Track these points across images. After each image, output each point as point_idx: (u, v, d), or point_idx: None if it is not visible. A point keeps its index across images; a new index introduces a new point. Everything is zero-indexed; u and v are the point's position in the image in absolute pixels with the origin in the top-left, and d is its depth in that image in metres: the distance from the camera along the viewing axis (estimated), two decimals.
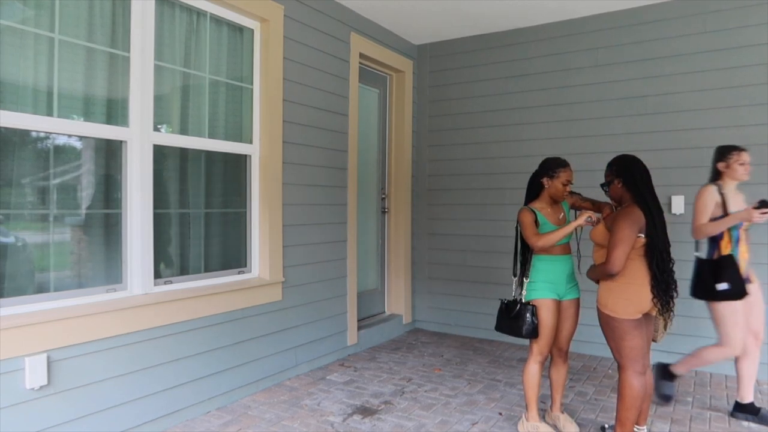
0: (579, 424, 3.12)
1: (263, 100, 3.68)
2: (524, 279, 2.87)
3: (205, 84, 3.39)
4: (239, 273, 3.60)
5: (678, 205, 4.17)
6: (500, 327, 2.92)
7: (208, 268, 3.43)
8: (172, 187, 3.23)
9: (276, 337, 3.75)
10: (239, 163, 3.65)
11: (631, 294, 2.56)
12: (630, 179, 2.64)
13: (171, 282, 3.16)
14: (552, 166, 2.87)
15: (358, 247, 4.73)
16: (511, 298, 2.92)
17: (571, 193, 2.98)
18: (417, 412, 3.31)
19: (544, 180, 2.88)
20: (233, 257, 3.62)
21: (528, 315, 2.78)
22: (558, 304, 2.85)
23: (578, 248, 2.98)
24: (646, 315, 2.66)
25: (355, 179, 4.52)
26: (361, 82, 4.82)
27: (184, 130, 3.27)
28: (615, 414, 2.73)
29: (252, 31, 3.67)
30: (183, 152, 3.27)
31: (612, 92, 4.45)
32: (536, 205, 2.91)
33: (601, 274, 2.63)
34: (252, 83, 3.68)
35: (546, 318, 2.80)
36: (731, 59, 4.01)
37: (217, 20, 3.45)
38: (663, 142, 4.25)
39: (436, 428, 3.07)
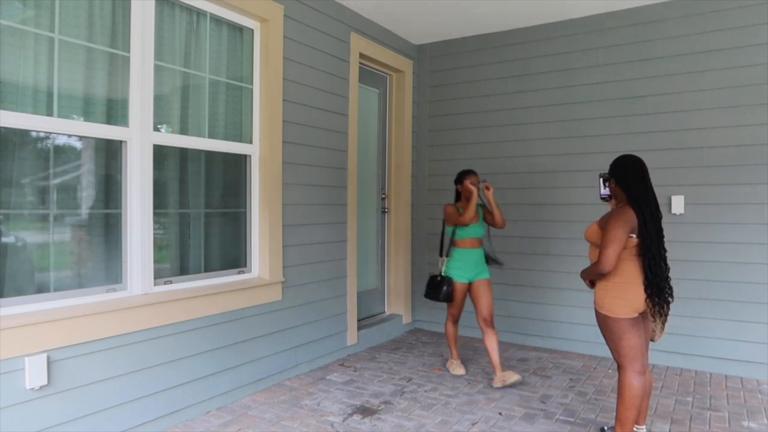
0: (579, 425, 3.13)
1: (263, 100, 3.68)
2: (445, 258, 3.88)
3: (205, 84, 3.39)
4: (239, 273, 3.60)
5: (678, 205, 4.16)
6: (427, 294, 3.88)
7: (208, 268, 3.43)
8: (172, 187, 3.23)
9: (276, 337, 3.75)
10: (239, 163, 3.65)
11: (626, 293, 2.56)
12: (623, 180, 2.65)
13: (171, 282, 3.16)
14: (459, 175, 3.92)
15: (358, 247, 4.73)
16: (436, 274, 3.91)
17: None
18: (417, 412, 3.31)
19: (458, 186, 3.93)
20: (233, 257, 3.62)
21: (445, 286, 3.79)
22: (467, 285, 3.85)
23: (490, 241, 4.03)
24: (644, 314, 2.66)
25: (355, 179, 4.52)
26: (361, 82, 4.82)
27: (184, 130, 3.27)
28: (615, 414, 2.73)
29: (252, 31, 3.67)
30: (183, 152, 3.27)
31: (612, 92, 4.45)
32: (457, 204, 3.95)
33: (593, 273, 2.64)
34: (252, 83, 3.68)
35: (456, 296, 3.83)
36: (731, 59, 4.01)
37: (217, 20, 3.45)
38: (663, 142, 4.25)
39: (436, 428, 3.07)
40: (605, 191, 2.85)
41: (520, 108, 4.87)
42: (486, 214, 3.94)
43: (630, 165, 2.66)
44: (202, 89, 3.38)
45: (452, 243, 3.90)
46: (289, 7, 3.81)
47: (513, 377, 3.69)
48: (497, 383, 3.69)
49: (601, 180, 2.85)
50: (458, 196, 3.97)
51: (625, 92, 4.40)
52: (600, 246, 2.57)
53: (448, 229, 3.93)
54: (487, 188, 3.82)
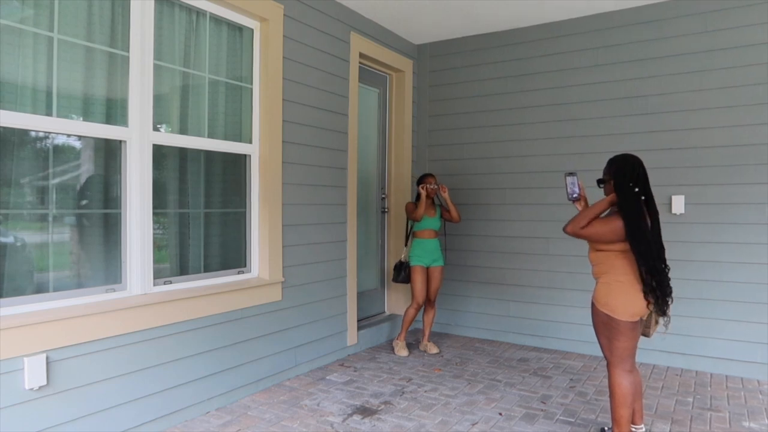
0: (579, 425, 3.12)
1: (263, 99, 3.68)
2: (407, 247, 4.60)
3: (205, 84, 3.39)
4: (239, 273, 3.60)
5: (678, 205, 4.16)
6: (395, 279, 4.59)
7: (208, 268, 3.43)
8: (172, 186, 3.22)
9: (276, 337, 3.74)
10: (239, 162, 3.64)
11: (628, 295, 2.55)
12: (619, 182, 2.59)
13: (170, 282, 3.16)
14: (420, 178, 4.53)
15: (358, 247, 4.72)
16: (401, 260, 4.62)
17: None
18: (417, 412, 3.30)
19: (419, 187, 4.49)
20: (233, 257, 3.61)
21: (403, 270, 4.53)
22: (425, 269, 4.49)
23: (444, 231, 4.71)
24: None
25: (355, 179, 4.52)
26: (361, 81, 4.81)
27: (183, 130, 3.26)
28: (611, 415, 2.72)
29: (252, 30, 3.67)
30: (182, 152, 3.27)
31: (612, 92, 4.44)
32: (417, 202, 4.50)
33: (572, 221, 2.63)
34: (252, 83, 3.68)
35: (415, 277, 4.46)
36: (731, 59, 4.00)
37: (217, 20, 3.44)
38: (663, 142, 4.24)
39: (436, 428, 3.07)
40: (573, 189, 2.81)
41: (519, 108, 4.86)
42: (443, 212, 4.55)
43: (629, 167, 2.59)
44: (202, 89, 3.38)
45: (413, 234, 4.57)
46: (288, 6, 3.81)
47: (434, 349, 4.58)
48: (421, 348, 4.65)
49: (568, 179, 2.82)
50: (419, 195, 4.53)
51: (624, 92, 4.39)
52: (593, 218, 2.59)
53: (411, 223, 4.60)
54: (443, 189, 4.40)
